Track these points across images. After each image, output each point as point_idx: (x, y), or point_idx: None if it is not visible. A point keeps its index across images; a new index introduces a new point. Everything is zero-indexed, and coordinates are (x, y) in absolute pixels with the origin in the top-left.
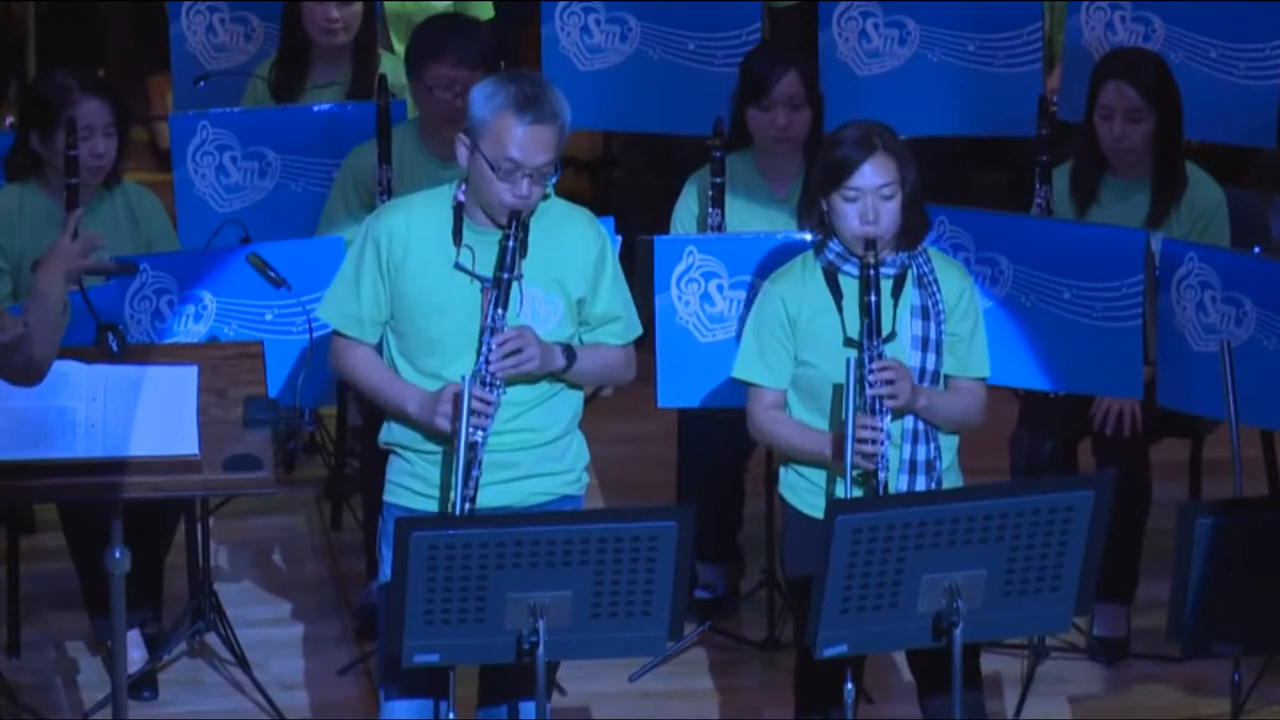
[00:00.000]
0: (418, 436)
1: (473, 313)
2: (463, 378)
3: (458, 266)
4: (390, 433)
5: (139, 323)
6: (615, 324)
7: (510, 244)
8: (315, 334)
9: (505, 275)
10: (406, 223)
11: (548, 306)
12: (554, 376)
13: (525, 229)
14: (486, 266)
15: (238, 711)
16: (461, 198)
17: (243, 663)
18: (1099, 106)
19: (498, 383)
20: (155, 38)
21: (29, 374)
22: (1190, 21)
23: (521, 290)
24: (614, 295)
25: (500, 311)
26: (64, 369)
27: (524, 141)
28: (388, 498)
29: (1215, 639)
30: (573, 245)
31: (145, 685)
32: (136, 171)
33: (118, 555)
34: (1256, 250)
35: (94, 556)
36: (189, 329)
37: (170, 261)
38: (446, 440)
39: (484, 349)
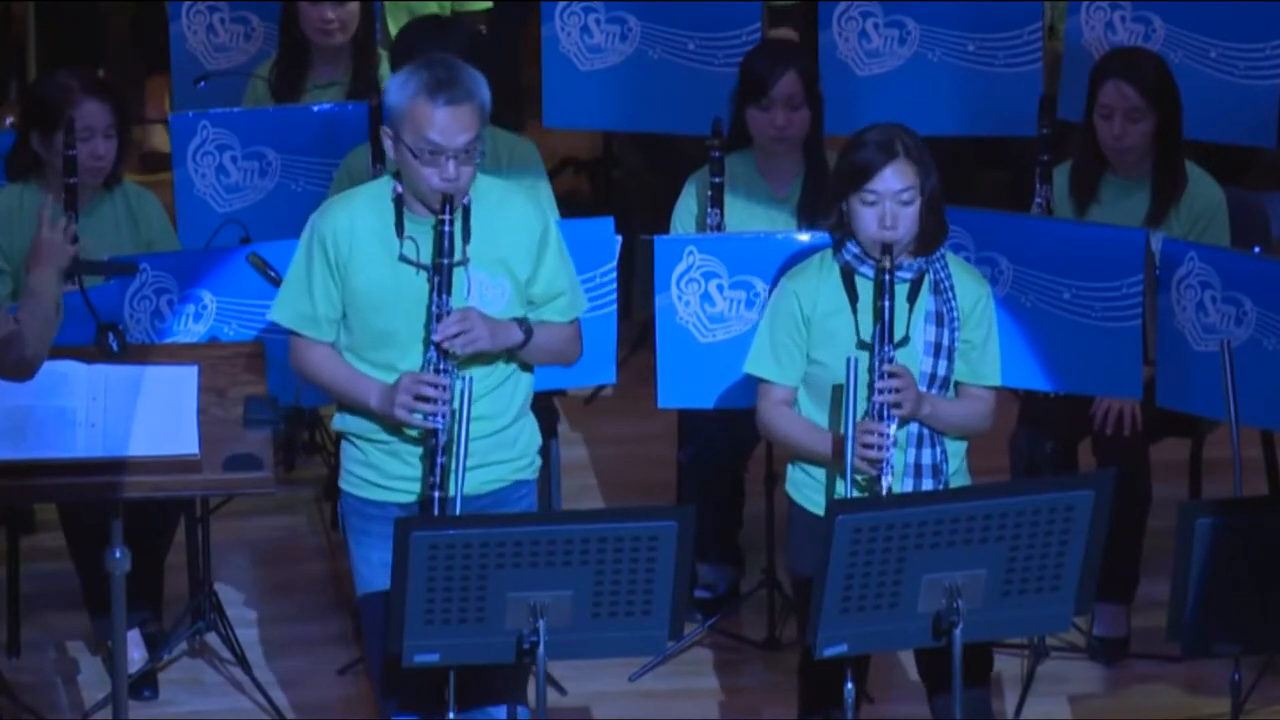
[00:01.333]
0: (371, 426)
1: (420, 303)
2: (465, 376)
3: (402, 258)
4: (344, 421)
5: (139, 323)
6: (559, 300)
7: (446, 229)
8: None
9: (445, 261)
10: (349, 218)
11: (495, 289)
12: (511, 356)
13: (466, 214)
14: (430, 255)
15: (238, 711)
16: (400, 189)
17: (243, 662)
18: (1099, 106)
19: (449, 367)
20: (155, 38)
21: (20, 370)
22: (1190, 21)
23: (469, 275)
24: (557, 272)
25: (445, 298)
26: (64, 369)
27: (441, 124)
28: (343, 484)
29: (1215, 639)
30: (514, 225)
31: (145, 685)
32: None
33: (118, 555)
34: (1256, 250)
35: (94, 556)
36: (189, 329)
37: (170, 261)
38: (399, 431)
39: (432, 335)
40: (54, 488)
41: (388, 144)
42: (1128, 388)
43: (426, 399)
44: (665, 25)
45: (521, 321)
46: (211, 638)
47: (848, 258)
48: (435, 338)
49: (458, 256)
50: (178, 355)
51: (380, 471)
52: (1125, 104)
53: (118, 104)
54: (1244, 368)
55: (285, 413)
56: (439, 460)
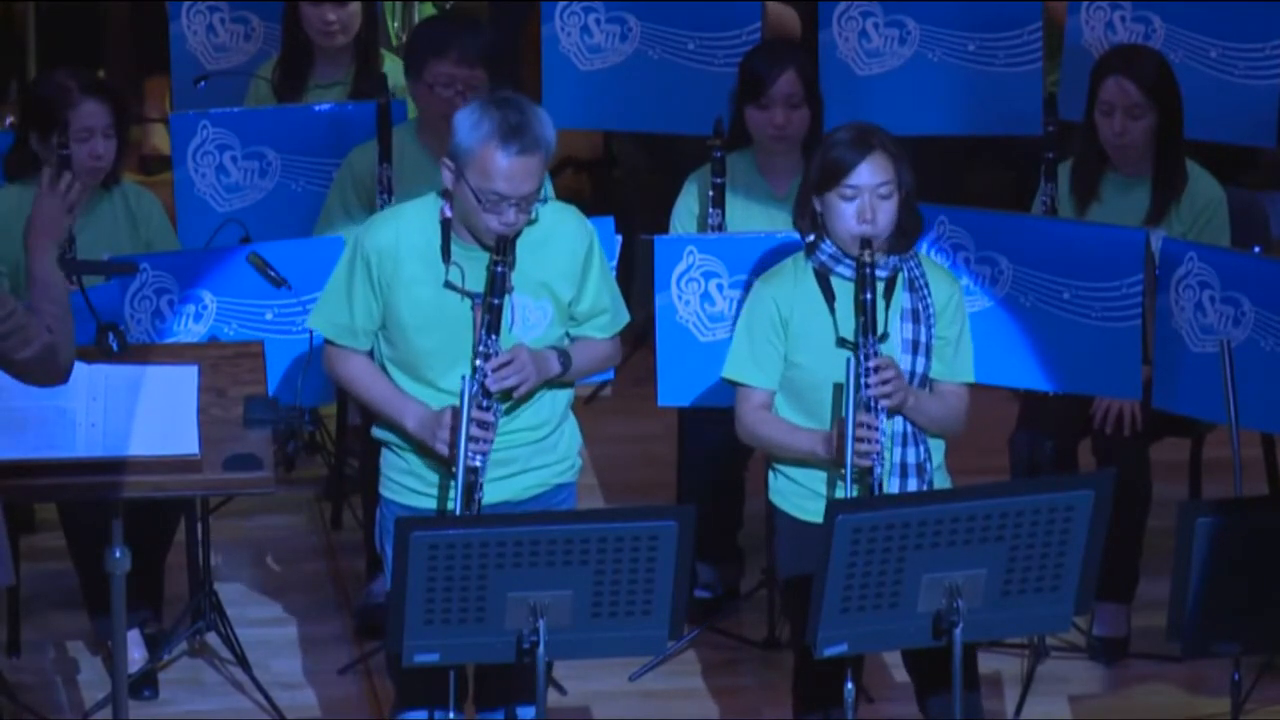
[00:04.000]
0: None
1: (463, 325)
2: (464, 377)
3: (448, 284)
4: (384, 428)
5: (139, 322)
6: (602, 317)
7: (499, 270)
8: (316, 335)
9: (496, 301)
10: (395, 238)
11: (537, 312)
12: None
13: (513, 248)
14: (475, 282)
15: (238, 711)
16: (449, 213)
17: (243, 662)
18: (1099, 102)
19: (495, 406)
20: (155, 38)
21: (57, 380)
22: (1190, 21)
23: (512, 302)
24: (600, 289)
25: (493, 337)
26: None
27: (509, 173)
28: (384, 492)
29: (1215, 639)
30: (559, 249)
31: (145, 685)
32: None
33: (118, 555)
34: (1256, 250)
35: (94, 556)
36: (189, 329)
37: (170, 261)
38: None
39: (478, 374)
40: (54, 488)
41: (447, 175)
42: (1127, 388)
43: (471, 438)
44: (665, 25)
45: (560, 352)
46: (211, 637)
47: (823, 259)
48: (491, 385)
49: (507, 286)
50: (178, 355)
51: (422, 479)
52: (1126, 100)
53: (116, 104)
54: (1241, 368)
55: (289, 414)
56: (477, 496)
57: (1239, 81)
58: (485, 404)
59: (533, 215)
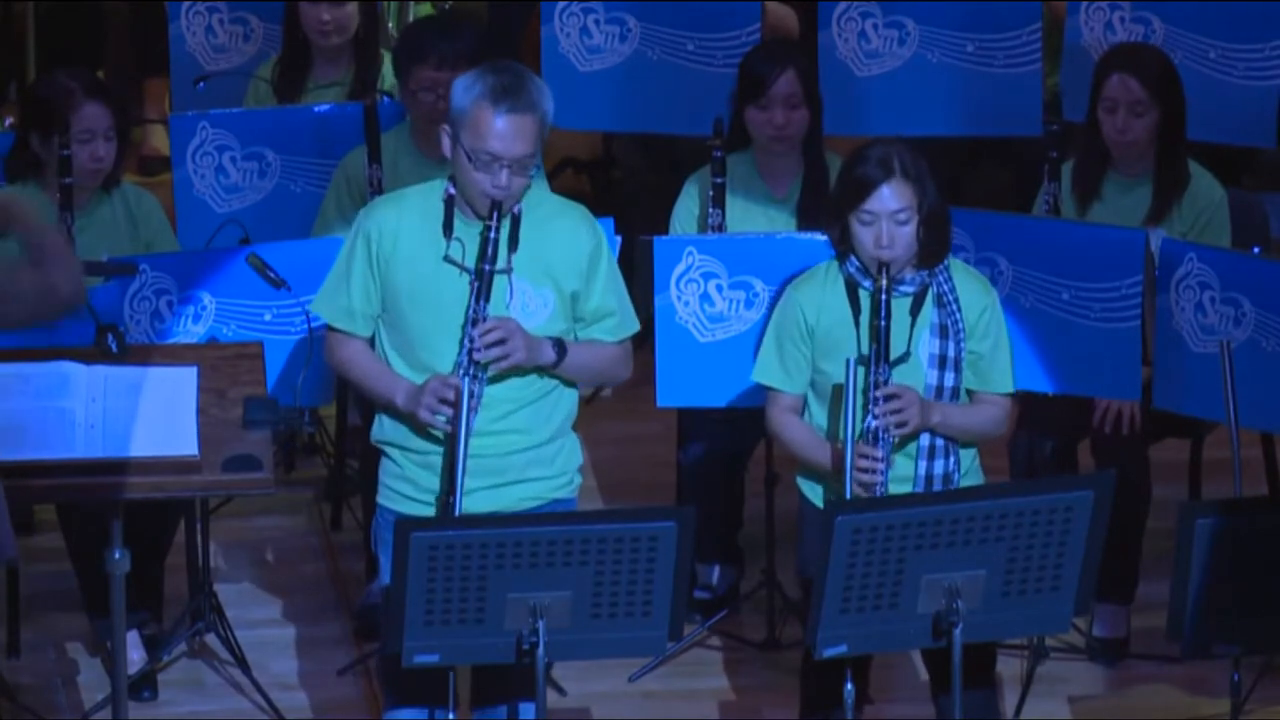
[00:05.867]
0: (407, 435)
1: (461, 305)
2: (459, 369)
3: (447, 259)
4: (381, 430)
5: (138, 323)
6: (609, 320)
7: (492, 235)
8: (315, 334)
9: (487, 267)
10: (397, 216)
11: (538, 300)
12: (545, 372)
13: (515, 223)
14: (475, 260)
15: (238, 712)
16: (453, 191)
17: (242, 663)
18: (1102, 99)
19: (480, 375)
20: (154, 39)
21: (67, 310)
22: (1190, 21)
23: (511, 284)
24: (608, 291)
25: (483, 303)
26: (64, 370)
27: (502, 132)
28: (380, 499)
29: (1215, 639)
30: (565, 240)
31: (145, 686)
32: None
33: (118, 556)
34: (1256, 250)
35: (93, 557)
36: (188, 329)
37: (170, 262)
38: (435, 441)
39: (465, 340)
40: (54, 488)
41: (444, 141)
42: (1126, 389)
43: (451, 403)
44: (665, 26)
45: (557, 341)
46: (211, 638)
47: (851, 270)
48: (476, 353)
49: (501, 264)
50: (177, 356)
51: (417, 485)
52: (1129, 97)
53: (117, 106)
54: (1241, 369)
55: (288, 415)
56: (458, 471)
57: (1239, 82)
58: (472, 372)
59: (530, 181)
